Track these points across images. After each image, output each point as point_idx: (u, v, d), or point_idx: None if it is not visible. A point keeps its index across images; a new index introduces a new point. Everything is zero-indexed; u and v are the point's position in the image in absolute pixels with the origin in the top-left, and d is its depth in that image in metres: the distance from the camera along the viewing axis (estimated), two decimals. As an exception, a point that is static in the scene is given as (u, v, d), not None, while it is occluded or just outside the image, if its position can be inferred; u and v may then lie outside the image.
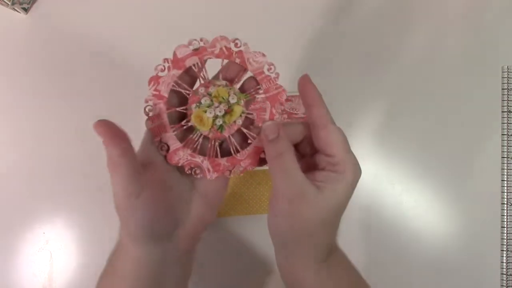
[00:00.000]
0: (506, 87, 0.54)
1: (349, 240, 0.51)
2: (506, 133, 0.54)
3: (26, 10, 0.54)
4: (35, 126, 0.53)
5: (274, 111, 0.31)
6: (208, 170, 0.31)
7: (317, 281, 0.32)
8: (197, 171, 0.31)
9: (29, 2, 0.54)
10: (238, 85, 0.31)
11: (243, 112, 0.31)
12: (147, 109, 0.31)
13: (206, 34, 0.54)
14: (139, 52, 0.54)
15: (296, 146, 0.33)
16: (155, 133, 0.31)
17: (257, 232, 0.52)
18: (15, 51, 0.54)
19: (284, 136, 0.30)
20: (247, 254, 0.51)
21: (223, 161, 0.31)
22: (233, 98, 0.30)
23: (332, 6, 0.56)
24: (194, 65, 0.30)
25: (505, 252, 0.52)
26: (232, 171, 0.31)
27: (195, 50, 0.31)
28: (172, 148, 0.31)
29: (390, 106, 0.54)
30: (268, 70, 0.31)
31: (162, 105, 0.30)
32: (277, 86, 0.31)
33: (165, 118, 0.30)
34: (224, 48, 0.31)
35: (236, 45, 0.31)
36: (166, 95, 0.30)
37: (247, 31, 0.55)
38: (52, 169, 0.52)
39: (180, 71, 0.30)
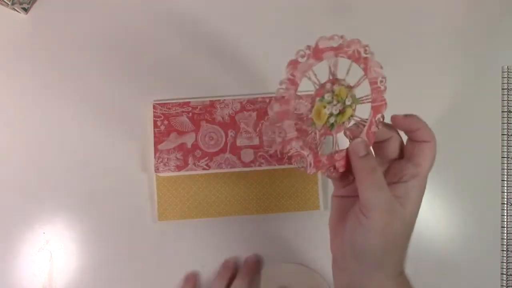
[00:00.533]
0: (506, 87, 0.54)
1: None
2: (506, 133, 0.54)
3: (26, 10, 0.54)
4: (35, 127, 0.53)
5: (373, 120, 0.32)
6: (310, 164, 0.32)
7: None
8: (301, 164, 0.32)
9: (29, 2, 0.54)
10: (357, 89, 0.32)
11: (352, 116, 0.32)
12: (280, 91, 0.30)
13: (209, 31, 0.54)
14: (139, 52, 0.54)
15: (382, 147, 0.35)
16: (279, 118, 0.30)
17: (257, 232, 0.52)
18: (15, 51, 0.54)
19: (373, 154, 0.32)
20: (247, 254, 0.51)
21: (324, 158, 0.32)
22: (349, 100, 0.32)
23: (333, 6, 0.56)
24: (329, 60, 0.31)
25: (505, 252, 0.52)
26: (326, 170, 0.33)
27: (334, 46, 0.31)
28: (288, 137, 0.31)
29: (389, 106, 0.54)
30: (380, 82, 0.32)
31: (293, 91, 0.30)
32: (382, 98, 0.33)
33: (292, 104, 0.30)
34: (356, 51, 0.31)
35: (365, 51, 0.32)
36: (299, 82, 0.30)
37: (247, 31, 0.55)
38: (52, 170, 0.52)
39: (317, 62, 0.30)
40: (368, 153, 0.31)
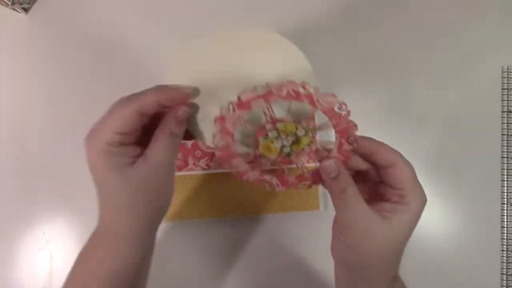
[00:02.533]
0: (506, 87, 0.54)
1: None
2: (506, 133, 0.54)
3: (26, 10, 0.54)
4: (35, 126, 0.53)
5: (343, 141, 0.33)
6: (277, 185, 0.34)
7: None
8: (267, 186, 0.33)
9: (29, 2, 0.54)
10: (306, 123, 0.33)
11: (311, 142, 0.33)
12: (215, 141, 0.32)
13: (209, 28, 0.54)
14: (138, 52, 0.54)
15: (363, 173, 0.34)
16: (225, 161, 0.33)
17: (257, 232, 0.52)
18: (15, 51, 0.54)
19: (345, 172, 0.31)
20: (248, 254, 0.52)
21: (291, 178, 0.34)
22: (300, 131, 0.33)
23: (331, 5, 0.56)
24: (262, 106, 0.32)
25: (505, 252, 0.52)
26: (300, 185, 0.34)
27: (261, 94, 0.32)
28: (242, 170, 0.33)
29: (390, 106, 0.54)
30: (339, 108, 0.32)
31: (230, 139, 0.32)
32: (347, 121, 0.33)
33: (234, 149, 0.33)
34: (291, 91, 0.32)
35: (304, 88, 0.32)
36: (233, 130, 0.32)
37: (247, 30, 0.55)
38: (52, 169, 0.52)
39: (246, 111, 0.32)
40: (339, 173, 0.31)
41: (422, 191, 0.32)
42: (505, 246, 0.52)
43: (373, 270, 0.32)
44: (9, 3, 0.51)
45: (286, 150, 0.33)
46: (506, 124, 0.54)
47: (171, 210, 0.51)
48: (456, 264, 0.52)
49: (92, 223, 0.51)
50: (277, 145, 0.32)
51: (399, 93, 0.55)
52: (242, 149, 0.34)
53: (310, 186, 0.34)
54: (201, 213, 0.51)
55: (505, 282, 0.51)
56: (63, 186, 0.52)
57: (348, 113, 0.33)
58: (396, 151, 0.32)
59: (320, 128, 0.34)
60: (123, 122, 0.30)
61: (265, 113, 0.32)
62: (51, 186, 0.52)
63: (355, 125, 0.33)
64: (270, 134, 0.32)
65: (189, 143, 0.50)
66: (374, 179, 0.34)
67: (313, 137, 0.33)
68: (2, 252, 0.51)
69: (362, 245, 0.30)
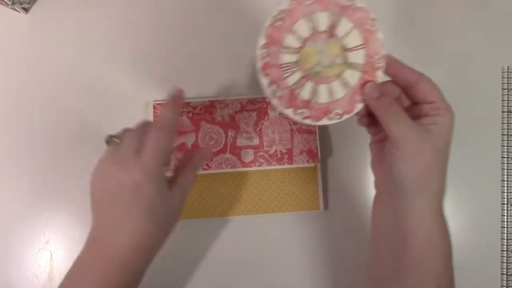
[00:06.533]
0: (506, 87, 0.54)
1: (350, 239, 0.51)
2: (506, 133, 0.54)
3: (26, 10, 0.54)
4: (35, 127, 0.53)
5: (367, 76, 0.34)
6: (285, 98, 0.34)
7: (430, 231, 0.35)
8: (278, 93, 0.34)
9: (29, 2, 0.54)
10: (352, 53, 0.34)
11: (339, 74, 0.34)
12: (262, 54, 0.33)
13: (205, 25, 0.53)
14: (139, 52, 0.54)
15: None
16: (269, 41, 0.34)
17: (257, 232, 0.52)
18: (15, 51, 0.54)
19: (387, 92, 0.34)
20: (248, 254, 0.51)
21: (299, 100, 0.34)
22: (340, 60, 0.34)
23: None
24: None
25: (505, 252, 0.52)
26: (295, 113, 0.34)
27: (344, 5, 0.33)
28: (270, 61, 0.34)
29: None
30: (378, 59, 0.34)
31: (288, 23, 0.33)
32: (374, 75, 0.34)
33: (284, 35, 0.33)
34: (361, 20, 0.33)
35: (371, 24, 0.34)
36: (298, 18, 0.33)
37: (249, 31, 0.55)
38: (53, 169, 0.52)
39: (319, 9, 0.33)
40: (382, 93, 0.34)
41: (450, 107, 0.35)
42: (505, 246, 0.52)
43: (428, 183, 0.34)
44: (9, 3, 0.51)
45: (317, 69, 0.34)
46: (506, 124, 0.54)
47: (171, 210, 0.51)
48: (456, 264, 0.52)
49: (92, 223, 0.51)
50: (315, 58, 0.33)
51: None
52: (285, 58, 0.34)
53: (300, 120, 0.34)
54: (200, 212, 0.51)
55: (505, 282, 0.51)
56: (63, 186, 0.52)
57: (381, 66, 0.34)
58: (414, 69, 0.35)
59: (352, 66, 0.34)
60: (169, 142, 0.37)
61: (331, 21, 0.33)
62: (51, 186, 0.52)
63: (382, 45, 0.34)
64: (320, 43, 0.33)
65: (189, 143, 0.50)
66: (407, 105, 0.37)
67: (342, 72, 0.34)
68: (2, 252, 0.51)
69: (418, 154, 0.33)
